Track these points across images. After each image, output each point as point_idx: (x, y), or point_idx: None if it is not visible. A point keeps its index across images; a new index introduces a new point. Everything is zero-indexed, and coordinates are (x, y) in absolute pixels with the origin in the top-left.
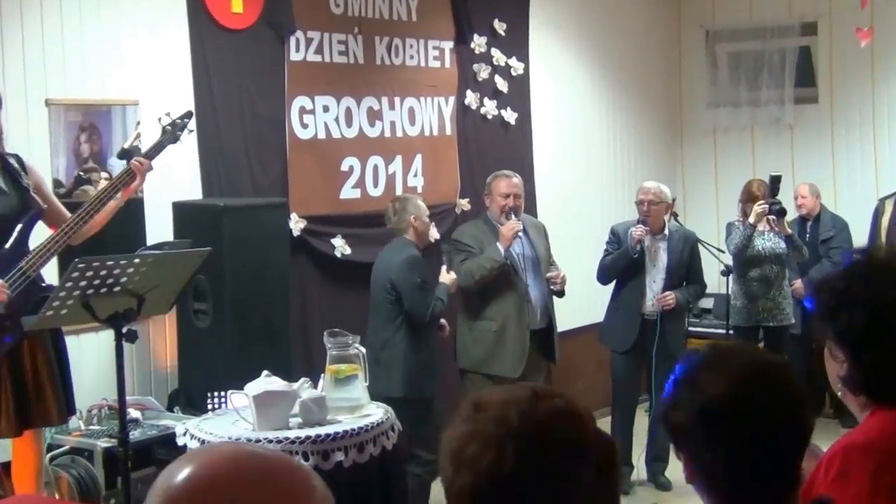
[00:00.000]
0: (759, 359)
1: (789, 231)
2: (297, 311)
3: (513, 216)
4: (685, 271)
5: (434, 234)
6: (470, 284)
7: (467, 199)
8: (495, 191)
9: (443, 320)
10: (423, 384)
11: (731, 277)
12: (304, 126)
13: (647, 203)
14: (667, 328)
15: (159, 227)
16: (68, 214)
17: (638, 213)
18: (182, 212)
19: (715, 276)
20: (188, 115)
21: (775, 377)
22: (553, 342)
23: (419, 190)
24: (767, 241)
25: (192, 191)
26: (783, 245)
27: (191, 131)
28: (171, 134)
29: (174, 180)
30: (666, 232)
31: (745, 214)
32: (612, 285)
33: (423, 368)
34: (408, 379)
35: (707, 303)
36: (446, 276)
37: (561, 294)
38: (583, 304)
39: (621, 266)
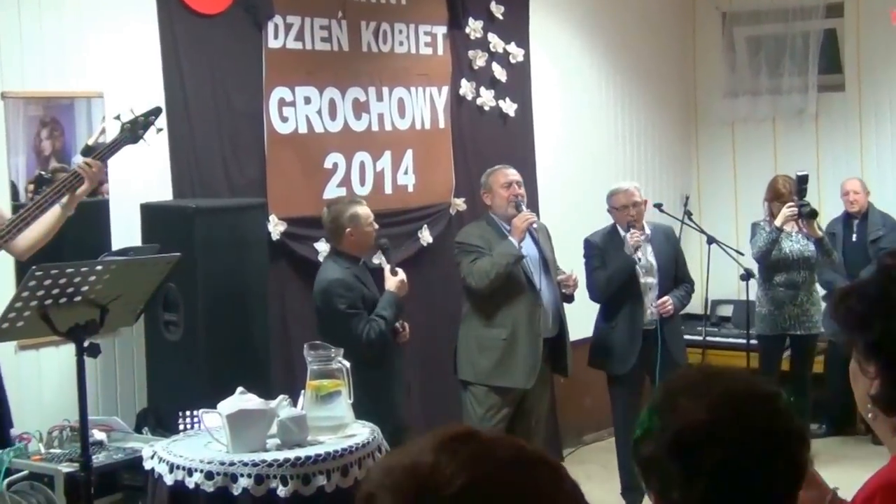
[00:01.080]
0: (749, 384)
1: (820, 233)
2: (276, 322)
3: (523, 206)
4: (674, 270)
5: (426, 237)
6: (484, 285)
7: (463, 199)
8: (494, 184)
9: (399, 323)
10: (376, 418)
11: (754, 282)
12: (284, 119)
13: (634, 205)
14: (668, 336)
15: (125, 231)
16: (7, 217)
17: (616, 219)
18: (150, 214)
19: (734, 280)
20: (155, 111)
21: (764, 406)
22: (565, 352)
23: (410, 189)
24: (795, 244)
25: (162, 191)
26: (812, 248)
27: (159, 130)
28: (131, 133)
29: (142, 179)
30: (648, 231)
31: (773, 214)
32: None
33: (374, 400)
34: (360, 409)
35: (725, 310)
36: (391, 281)
37: (571, 299)
38: (591, 312)
39: (623, 279)
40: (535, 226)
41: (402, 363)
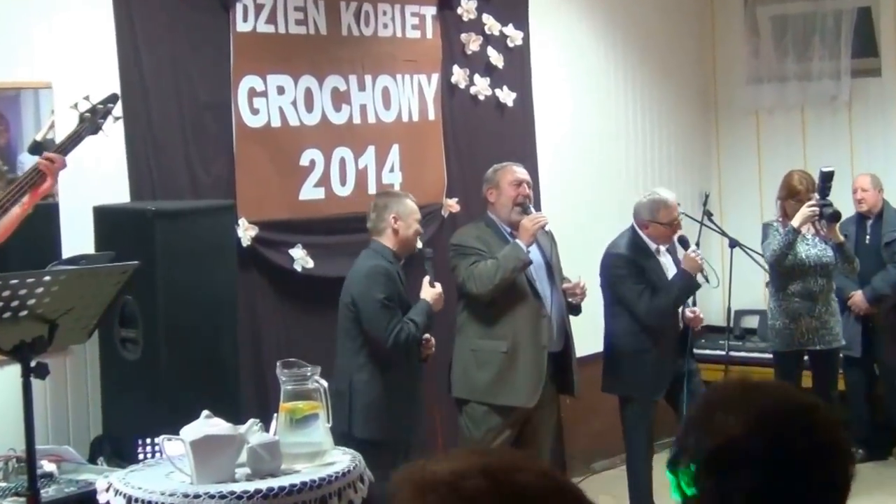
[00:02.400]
0: (786, 397)
1: (841, 238)
2: (246, 339)
3: (531, 209)
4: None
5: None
6: (488, 290)
7: (456, 199)
8: (503, 180)
9: (427, 335)
10: (390, 425)
11: (767, 292)
12: (255, 112)
13: (678, 220)
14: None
15: (77, 237)
16: None
17: (655, 234)
18: (105, 218)
19: (759, 288)
20: (112, 98)
21: (802, 420)
22: (572, 369)
23: (397, 188)
24: (812, 249)
25: (118, 192)
26: (830, 253)
27: (116, 118)
28: (91, 122)
29: (96, 179)
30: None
31: (786, 214)
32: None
33: (390, 405)
34: (368, 416)
35: (751, 321)
36: (429, 292)
37: (577, 310)
38: (600, 325)
39: (685, 300)
40: (546, 229)
41: (421, 381)
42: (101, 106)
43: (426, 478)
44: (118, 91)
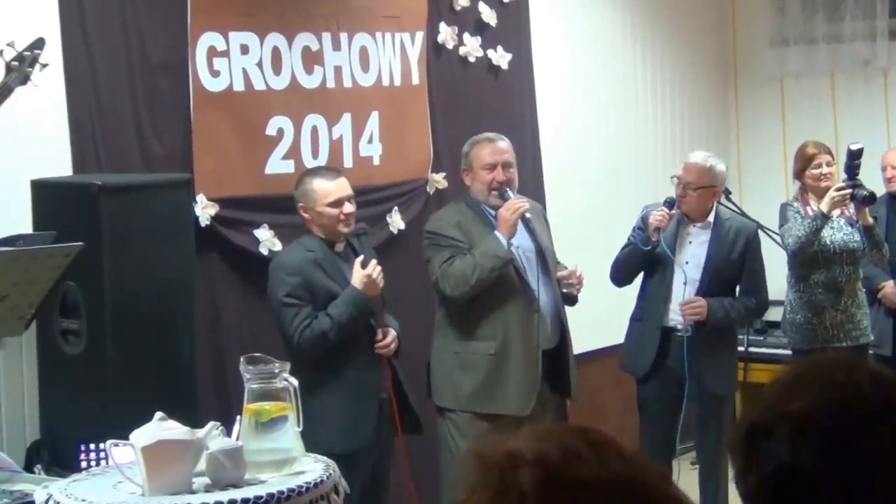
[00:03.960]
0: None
1: (870, 221)
2: (205, 330)
3: (510, 193)
4: (735, 277)
5: (397, 222)
6: (462, 293)
7: (443, 175)
8: (476, 162)
9: (389, 328)
10: (328, 436)
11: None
12: (215, 74)
13: (683, 183)
14: (703, 351)
15: (12, 216)
16: None
17: (707, 198)
18: (44, 193)
19: (783, 276)
20: (39, 43)
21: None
22: (568, 367)
23: (376, 161)
24: (838, 232)
25: (58, 165)
26: (857, 238)
27: (44, 66)
28: (19, 72)
29: (33, 149)
30: (710, 219)
31: (806, 191)
32: (636, 290)
33: (336, 414)
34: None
35: (773, 314)
36: (357, 275)
37: (574, 301)
38: (606, 316)
39: (634, 262)
40: (528, 215)
41: (376, 379)
42: (28, 53)
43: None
44: (59, 49)
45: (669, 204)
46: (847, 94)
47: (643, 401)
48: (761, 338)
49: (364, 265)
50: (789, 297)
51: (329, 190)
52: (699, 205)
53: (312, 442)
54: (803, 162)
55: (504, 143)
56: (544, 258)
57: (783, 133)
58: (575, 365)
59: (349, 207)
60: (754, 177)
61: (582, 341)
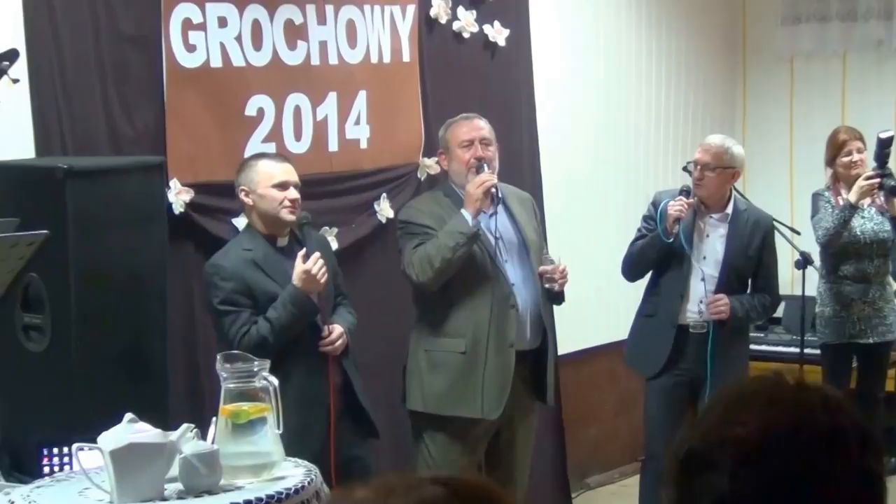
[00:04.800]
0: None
1: None
2: (179, 325)
3: (486, 168)
4: (751, 271)
5: (385, 210)
6: (428, 278)
7: (436, 159)
8: (453, 141)
9: (337, 325)
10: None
11: (813, 272)
12: (191, 48)
13: (701, 166)
14: (723, 350)
15: None
16: None
17: (725, 180)
18: (4, 177)
19: (787, 269)
20: (10, 55)
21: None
22: (545, 371)
23: (364, 144)
24: (868, 223)
25: (21, 147)
26: (888, 227)
27: (15, 81)
28: None
29: None
30: (728, 211)
31: (838, 180)
32: (642, 283)
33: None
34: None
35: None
36: (297, 271)
37: (560, 299)
38: (602, 314)
39: (652, 257)
40: (495, 191)
41: (326, 383)
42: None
43: None
44: (20, 20)
45: (686, 193)
46: (859, 75)
47: (650, 399)
48: (762, 334)
49: (306, 258)
50: (819, 290)
51: (274, 172)
52: (717, 188)
53: None
54: (834, 149)
55: (482, 121)
56: (525, 251)
57: (790, 115)
58: (555, 368)
59: (294, 193)
60: (760, 160)
61: (574, 340)
